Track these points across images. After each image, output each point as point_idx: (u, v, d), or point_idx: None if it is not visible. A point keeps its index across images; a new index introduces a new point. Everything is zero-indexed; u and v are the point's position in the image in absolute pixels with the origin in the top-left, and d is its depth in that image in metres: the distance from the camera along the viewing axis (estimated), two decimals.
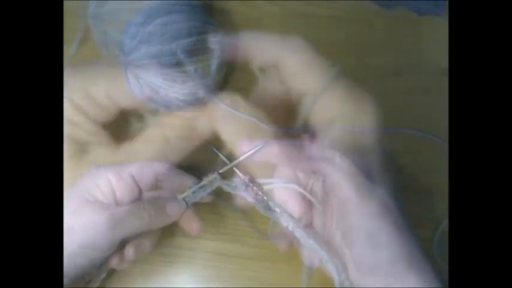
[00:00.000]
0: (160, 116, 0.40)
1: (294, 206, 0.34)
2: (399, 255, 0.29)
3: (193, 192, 0.36)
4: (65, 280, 0.31)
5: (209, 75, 0.39)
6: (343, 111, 0.35)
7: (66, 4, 0.37)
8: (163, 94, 0.38)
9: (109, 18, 0.44)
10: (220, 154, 0.38)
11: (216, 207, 0.41)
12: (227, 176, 0.36)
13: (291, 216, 0.34)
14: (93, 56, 0.46)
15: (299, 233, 0.33)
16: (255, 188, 0.35)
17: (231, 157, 0.37)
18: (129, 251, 0.34)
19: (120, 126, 0.41)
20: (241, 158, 0.36)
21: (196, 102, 0.40)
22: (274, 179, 0.35)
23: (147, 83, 0.38)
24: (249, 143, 0.35)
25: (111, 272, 0.38)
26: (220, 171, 0.36)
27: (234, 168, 0.36)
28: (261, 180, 0.36)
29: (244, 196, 0.36)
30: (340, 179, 0.30)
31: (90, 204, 0.33)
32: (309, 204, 0.34)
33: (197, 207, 0.37)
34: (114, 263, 0.35)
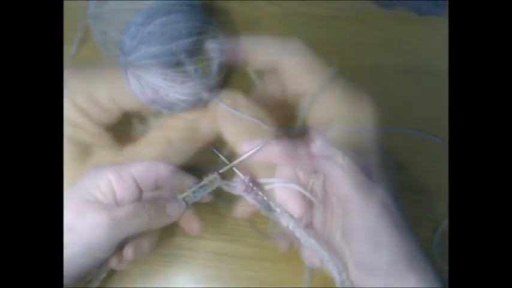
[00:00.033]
0: (163, 118, 0.40)
1: (294, 206, 0.34)
2: (399, 255, 0.29)
3: (194, 192, 0.36)
4: (65, 280, 0.31)
5: (209, 75, 0.39)
6: (342, 111, 0.35)
7: (66, 4, 0.37)
8: (163, 94, 0.38)
9: (109, 18, 0.44)
10: (220, 154, 0.38)
11: (216, 207, 0.41)
12: (227, 176, 0.36)
13: (291, 216, 0.34)
14: (93, 56, 0.46)
15: (299, 233, 0.33)
16: (255, 188, 0.35)
17: (232, 157, 0.37)
18: (128, 251, 0.34)
19: (123, 128, 0.41)
20: (241, 158, 0.36)
21: (197, 103, 0.40)
22: (274, 178, 0.35)
23: (147, 83, 0.38)
24: (249, 143, 0.35)
25: (111, 272, 0.38)
26: (220, 172, 0.36)
27: (234, 169, 0.36)
28: (261, 180, 0.36)
29: (244, 196, 0.36)
30: (341, 177, 0.30)
31: (90, 204, 0.33)
32: (309, 204, 0.34)
33: (197, 207, 0.37)
34: (113, 263, 0.35)
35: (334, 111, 0.35)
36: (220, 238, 0.41)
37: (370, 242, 0.29)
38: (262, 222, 0.39)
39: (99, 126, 0.38)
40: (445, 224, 0.40)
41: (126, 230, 0.33)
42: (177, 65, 0.37)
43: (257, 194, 0.35)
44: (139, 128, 0.41)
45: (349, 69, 0.36)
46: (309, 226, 0.35)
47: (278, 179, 0.35)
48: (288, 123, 0.38)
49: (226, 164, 0.37)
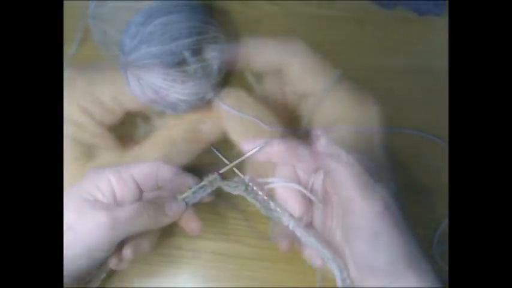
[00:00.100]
0: (166, 119, 0.40)
1: (294, 205, 0.34)
2: (399, 255, 0.29)
3: (194, 193, 0.36)
4: (64, 280, 0.31)
5: (210, 75, 0.39)
6: (347, 112, 0.35)
7: (66, 4, 0.37)
8: (163, 94, 0.38)
9: (109, 18, 0.44)
10: (220, 154, 0.38)
11: (216, 207, 0.41)
12: (227, 176, 0.36)
13: (291, 215, 0.34)
14: (93, 56, 0.46)
15: (300, 232, 0.33)
16: (255, 188, 0.35)
17: (235, 157, 0.37)
18: (128, 251, 0.34)
19: (127, 129, 0.41)
20: (241, 159, 0.36)
21: (198, 103, 0.40)
22: (274, 178, 0.35)
23: (147, 83, 0.38)
24: (250, 142, 0.35)
25: (111, 273, 0.38)
26: (220, 172, 0.36)
27: (234, 169, 0.36)
28: (261, 180, 0.36)
29: (245, 196, 0.36)
30: (345, 176, 0.30)
31: (90, 204, 0.33)
32: (309, 204, 0.34)
33: (197, 207, 0.37)
34: (112, 263, 0.35)
35: (340, 112, 0.35)
36: (220, 238, 0.41)
37: (370, 242, 0.29)
38: (262, 222, 0.39)
39: (101, 127, 0.38)
40: (445, 224, 0.40)
41: (126, 230, 0.33)
42: (179, 64, 0.37)
43: (257, 194, 0.35)
44: (143, 129, 0.41)
45: (349, 69, 0.36)
46: (309, 225, 0.35)
47: (278, 179, 0.35)
48: (288, 124, 0.38)
49: (226, 164, 0.37)
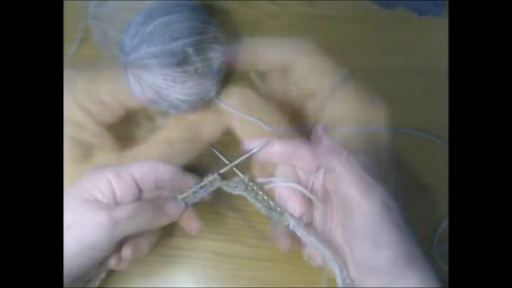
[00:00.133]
0: (165, 119, 0.40)
1: (295, 205, 0.34)
2: (399, 255, 0.29)
3: (194, 193, 0.36)
4: (64, 279, 0.31)
5: (210, 75, 0.39)
6: (354, 111, 0.35)
7: (66, 4, 0.37)
8: (163, 94, 0.38)
9: (109, 18, 0.44)
10: (219, 154, 0.38)
11: (216, 207, 0.41)
12: (227, 176, 0.36)
13: (291, 215, 0.34)
14: (93, 56, 0.46)
15: (300, 232, 0.33)
16: (255, 187, 0.35)
17: (235, 156, 0.37)
18: (127, 251, 0.34)
19: (126, 129, 0.41)
20: (241, 158, 0.36)
21: (198, 102, 0.40)
22: (275, 178, 0.35)
23: (147, 83, 0.38)
24: (251, 142, 0.35)
25: (111, 273, 0.38)
26: (220, 172, 0.36)
27: (234, 169, 0.36)
28: (261, 180, 0.36)
29: (245, 196, 0.36)
30: (345, 176, 0.30)
31: (90, 204, 0.33)
32: (309, 203, 0.35)
33: (197, 207, 0.37)
34: (112, 263, 0.35)
35: (347, 111, 0.35)
36: (220, 238, 0.41)
37: (370, 242, 0.29)
38: (262, 222, 0.39)
39: (101, 126, 0.38)
40: (445, 224, 0.40)
41: (126, 230, 0.33)
42: (179, 64, 0.37)
43: (257, 194, 0.35)
44: (145, 128, 0.41)
45: (349, 69, 0.36)
46: (309, 225, 0.35)
47: (278, 178, 0.35)
48: (293, 123, 0.38)
49: (226, 164, 0.37)
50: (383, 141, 0.35)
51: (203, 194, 0.36)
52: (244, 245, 0.41)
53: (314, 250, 0.33)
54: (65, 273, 0.30)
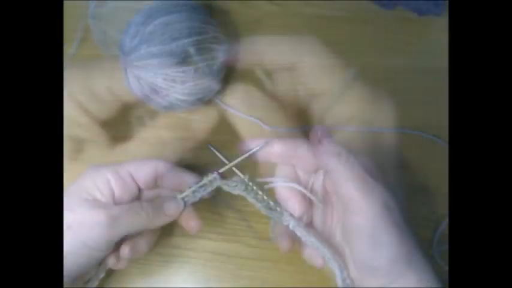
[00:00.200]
0: (156, 117, 0.40)
1: (294, 205, 0.34)
2: (399, 255, 0.29)
3: (193, 192, 0.36)
4: (64, 279, 0.31)
5: (210, 75, 0.39)
6: (361, 111, 0.35)
7: (66, 4, 0.37)
8: (164, 94, 0.38)
9: (109, 18, 0.44)
10: (219, 154, 0.38)
11: (216, 206, 0.41)
12: (227, 175, 0.36)
13: (291, 215, 0.34)
14: (93, 56, 0.46)
15: (300, 232, 0.33)
16: (254, 187, 0.35)
17: (234, 156, 0.37)
18: (125, 250, 0.34)
19: (120, 126, 0.41)
20: (240, 158, 0.36)
21: (198, 102, 0.40)
22: (274, 178, 0.35)
23: (147, 83, 0.38)
24: (250, 142, 0.35)
25: (110, 272, 0.38)
26: (219, 171, 0.36)
27: (233, 168, 0.36)
28: (260, 180, 0.36)
29: (245, 196, 0.36)
30: (345, 176, 0.30)
31: (88, 203, 0.33)
32: (309, 203, 0.35)
33: (197, 206, 0.37)
34: (110, 262, 0.35)
35: (354, 111, 0.35)
36: (220, 238, 0.41)
37: (370, 241, 0.29)
38: (262, 222, 0.39)
39: (95, 121, 0.38)
40: (445, 224, 0.40)
41: (124, 229, 0.33)
42: (178, 64, 0.37)
43: (257, 194, 0.35)
44: (136, 125, 0.41)
45: (349, 69, 0.36)
46: (309, 225, 0.35)
47: (278, 178, 0.35)
48: (298, 122, 0.38)
49: (225, 164, 0.37)
50: (388, 141, 0.35)
51: (203, 194, 0.36)
52: (244, 245, 0.41)
53: (314, 250, 0.33)
54: (64, 273, 0.30)
